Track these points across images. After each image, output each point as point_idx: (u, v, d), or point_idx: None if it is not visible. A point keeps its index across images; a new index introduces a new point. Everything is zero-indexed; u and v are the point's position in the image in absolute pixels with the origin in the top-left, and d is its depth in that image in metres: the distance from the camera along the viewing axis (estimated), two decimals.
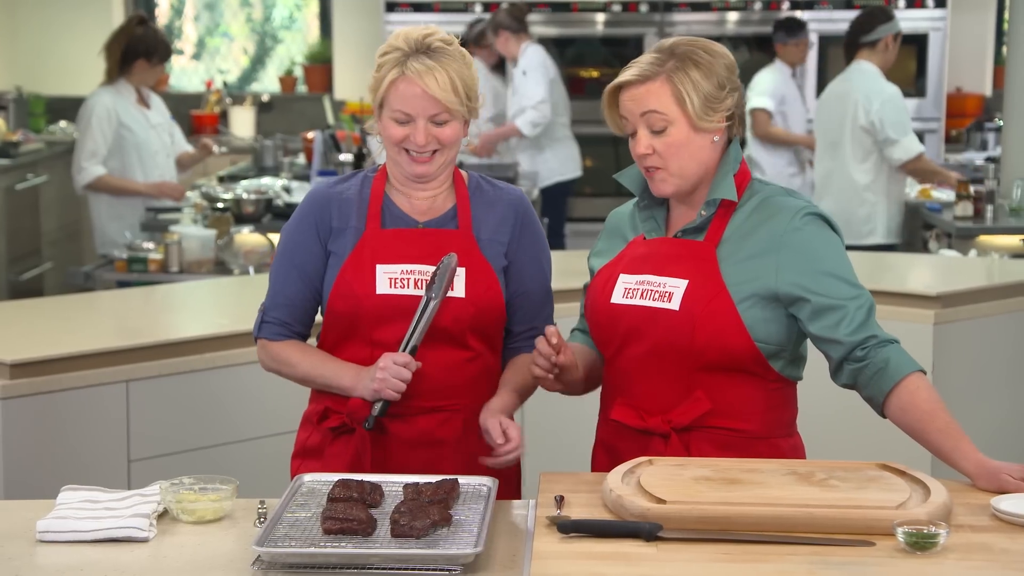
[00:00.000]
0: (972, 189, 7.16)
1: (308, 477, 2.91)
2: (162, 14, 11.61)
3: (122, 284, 6.08)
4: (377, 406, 3.06)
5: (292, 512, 2.72)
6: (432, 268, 3.08)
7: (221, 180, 8.23)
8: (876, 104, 7.12)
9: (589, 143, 9.85)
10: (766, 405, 3.04)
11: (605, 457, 3.12)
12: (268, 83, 11.63)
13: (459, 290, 3.11)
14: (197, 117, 10.91)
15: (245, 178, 8.21)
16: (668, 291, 2.99)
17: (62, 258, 9.46)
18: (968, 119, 10.50)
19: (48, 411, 4.04)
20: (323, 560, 2.52)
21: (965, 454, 2.84)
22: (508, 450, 3.00)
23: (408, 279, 3.10)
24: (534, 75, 8.86)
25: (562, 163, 9.16)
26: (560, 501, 2.71)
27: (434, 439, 3.13)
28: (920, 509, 2.58)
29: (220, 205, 6.88)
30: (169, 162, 7.36)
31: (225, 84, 11.43)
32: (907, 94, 9.35)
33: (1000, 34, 10.99)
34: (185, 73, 11.69)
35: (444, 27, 3.17)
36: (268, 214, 6.95)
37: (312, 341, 3.25)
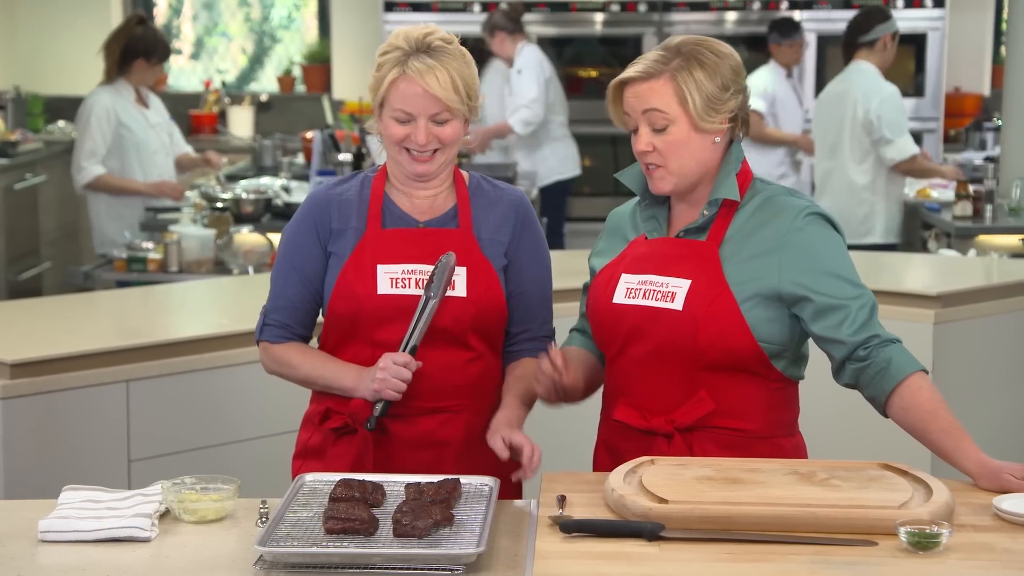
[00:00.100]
0: (971, 189, 7.17)
1: (310, 477, 2.91)
2: (160, 14, 11.60)
3: (121, 284, 6.08)
4: (378, 406, 3.06)
5: (294, 512, 2.72)
6: (433, 268, 3.08)
7: (219, 180, 8.22)
8: (875, 102, 7.13)
9: (588, 143, 9.86)
10: (768, 405, 3.04)
11: (607, 457, 3.11)
12: (266, 83, 11.62)
13: (460, 289, 3.11)
14: (196, 117, 10.90)
15: (244, 178, 8.21)
16: (671, 291, 2.99)
17: (61, 258, 9.46)
18: (966, 119, 10.50)
19: (48, 411, 4.04)
20: (325, 560, 2.52)
21: (967, 454, 2.84)
22: (527, 456, 2.98)
23: (409, 279, 3.09)
24: (528, 74, 8.85)
25: (561, 162, 9.15)
26: (562, 501, 2.71)
27: (436, 440, 3.13)
28: (922, 509, 2.58)
29: (219, 205, 6.87)
30: (168, 162, 7.35)
31: (223, 84, 11.42)
32: (905, 94, 9.36)
33: (999, 34, 10.99)
34: (183, 73, 11.68)
35: (443, 27, 3.16)
36: (267, 214, 6.95)
37: (313, 343, 3.25)
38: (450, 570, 2.52)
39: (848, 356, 2.95)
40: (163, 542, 2.69)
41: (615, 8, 10.37)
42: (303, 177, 8.05)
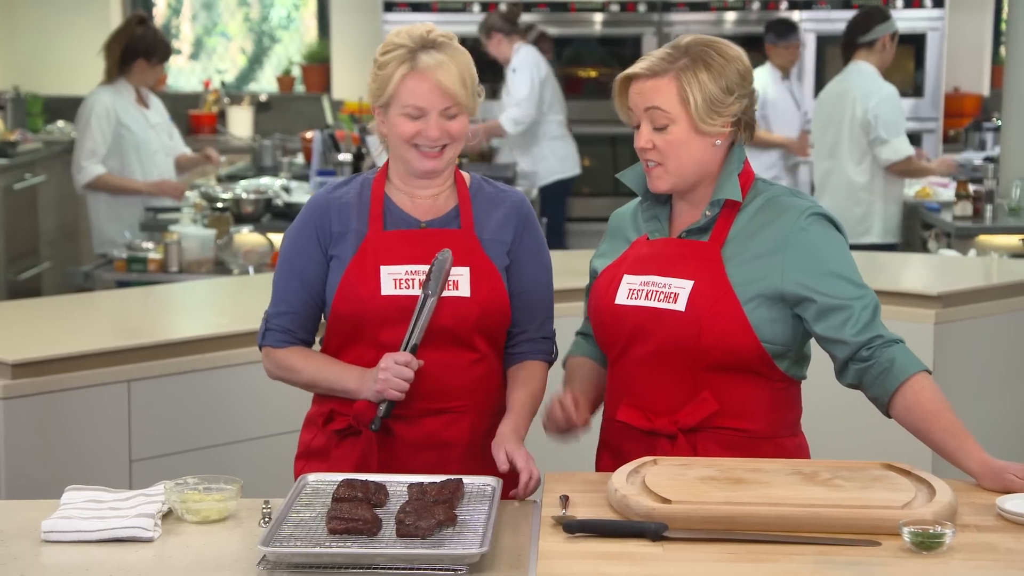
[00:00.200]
0: (971, 189, 7.17)
1: (312, 477, 2.91)
2: (159, 14, 11.59)
3: (121, 284, 6.07)
4: (382, 407, 3.05)
5: (297, 512, 2.72)
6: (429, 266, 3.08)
7: (220, 180, 8.23)
8: (873, 102, 7.14)
9: (587, 143, 9.86)
10: (771, 405, 3.04)
11: (609, 458, 3.11)
12: (265, 83, 11.62)
13: (464, 290, 3.11)
14: (195, 117, 10.90)
15: (244, 178, 8.20)
16: (674, 292, 2.99)
17: (60, 258, 9.46)
18: (966, 119, 10.50)
19: (50, 411, 4.04)
20: (328, 560, 2.52)
21: (970, 454, 2.84)
22: (523, 483, 2.97)
23: (413, 279, 3.09)
24: (521, 74, 8.85)
25: (561, 161, 9.15)
26: (565, 501, 2.71)
27: (440, 441, 3.12)
28: (926, 509, 2.58)
29: (219, 205, 6.87)
30: (168, 162, 7.35)
31: (223, 84, 11.42)
32: (905, 94, 9.38)
33: (998, 34, 11.00)
34: (182, 73, 11.68)
35: (442, 27, 3.16)
36: (267, 214, 6.95)
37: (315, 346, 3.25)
38: (453, 570, 2.52)
39: (851, 356, 2.95)
40: (166, 542, 2.68)
41: (614, 8, 10.37)
42: (303, 177, 8.05)
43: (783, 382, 3.04)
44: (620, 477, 2.74)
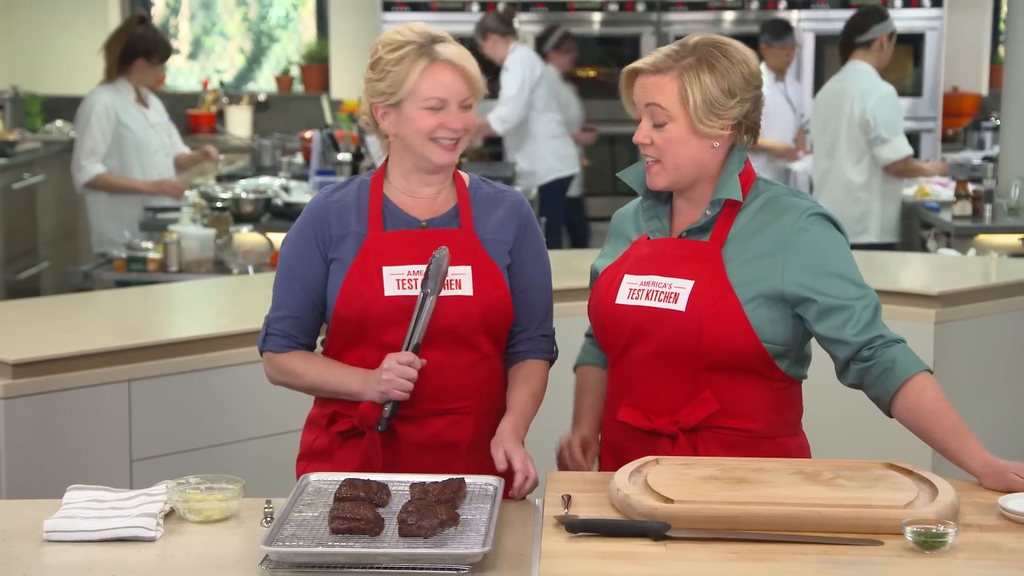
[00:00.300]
0: (971, 188, 7.17)
1: (314, 476, 2.91)
2: (157, 13, 11.59)
3: (120, 283, 6.07)
4: (387, 408, 3.05)
5: (299, 512, 2.72)
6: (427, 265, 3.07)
7: (219, 180, 8.23)
8: (871, 102, 7.14)
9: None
10: (772, 405, 3.04)
11: (611, 458, 3.11)
12: (264, 83, 11.62)
13: (466, 288, 3.10)
14: (193, 116, 10.90)
15: (243, 177, 8.20)
16: (674, 292, 2.99)
17: (59, 257, 9.46)
18: (964, 118, 10.51)
19: (50, 411, 4.04)
20: (331, 559, 2.52)
21: (972, 453, 2.84)
22: (518, 485, 2.97)
23: (415, 279, 3.08)
24: (512, 73, 8.85)
25: (560, 160, 9.15)
26: (567, 500, 2.71)
27: (444, 441, 3.12)
28: (928, 508, 2.58)
29: (219, 204, 6.87)
30: (168, 161, 7.35)
31: (221, 84, 11.42)
32: (904, 93, 9.38)
33: (996, 33, 11.00)
34: (181, 73, 11.68)
35: (441, 26, 3.17)
36: (267, 213, 6.94)
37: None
38: (456, 570, 2.52)
39: (852, 356, 2.95)
40: (168, 542, 2.68)
41: (613, 8, 10.37)
42: (303, 177, 8.04)
43: (784, 382, 3.04)
44: (622, 476, 2.74)
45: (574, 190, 9.54)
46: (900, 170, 7.28)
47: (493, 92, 9.17)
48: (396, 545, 2.57)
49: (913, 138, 9.12)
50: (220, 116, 11.00)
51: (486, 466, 3.03)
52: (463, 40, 3.19)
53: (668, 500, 2.61)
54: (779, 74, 8.81)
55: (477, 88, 3.12)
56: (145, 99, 7.24)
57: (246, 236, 6.54)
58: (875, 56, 7.23)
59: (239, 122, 10.89)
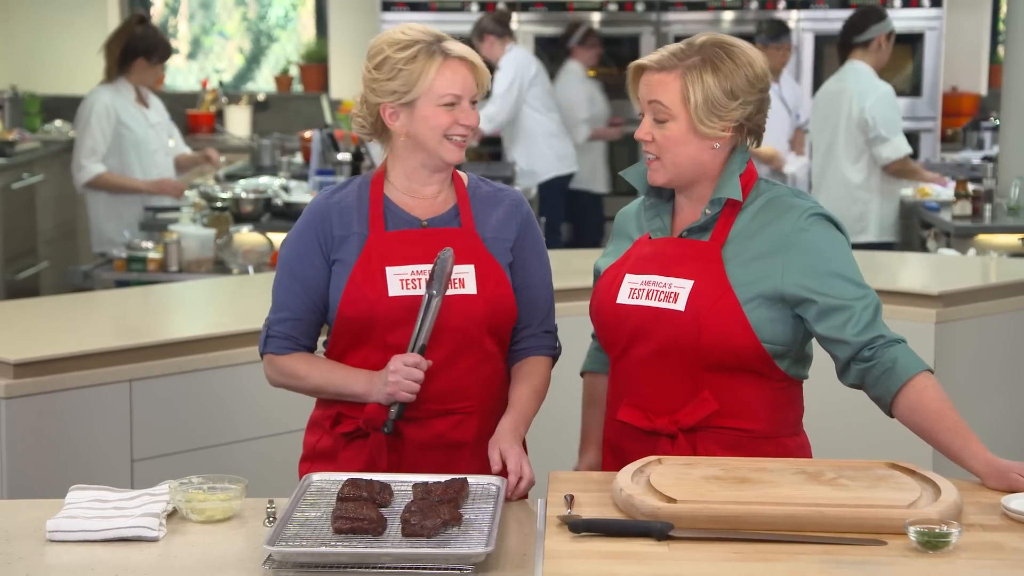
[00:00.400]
0: (970, 188, 7.17)
1: (317, 476, 2.90)
2: (156, 13, 11.58)
3: (120, 283, 6.07)
4: (393, 409, 3.05)
5: (302, 511, 2.72)
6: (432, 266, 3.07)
7: (218, 180, 8.23)
8: (870, 101, 7.16)
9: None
10: (772, 405, 3.04)
11: (612, 457, 3.12)
12: (263, 82, 11.61)
13: (470, 287, 3.10)
14: (192, 116, 10.90)
15: (242, 177, 8.20)
16: (674, 291, 2.99)
17: (58, 257, 9.46)
18: (964, 118, 10.51)
19: (52, 410, 4.04)
20: (334, 559, 2.52)
21: (974, 453, 2.84)
22: (511, 485, 2.95)
23: (419, 279, 3.08)
24: (504, 72, 8.85)
25: (559, 158, 9.16)
26: (570, 500, 2.71)
27: (449, 442, 3.12)
28: (931, 508, 2.58)
29: (219, 204, 6.87)
30: (168, 161, 7.35)
31: (220, 83, 11.41)
32: (903, 93, 9.38)
33: (995, 33, 11.01)
34: (180, 72, 11.68)
35: (440, 26, 3.18)
36: (267, 213, 6.94)
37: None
38: (459, 570, 2.52)
39: (853, 356, 2.95)
40: (171, 542, 2.68)
41: (612, 7, 10.37)
42: (302, 176, 8.04)
43: (784, 382, 3.04)
44: (625, 476, 2.74)
45: (600, 187, 9.57)
46: (899, 169, 7.29)
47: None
48: (399, 545, 2.57)
49: (912, 138, 9.12)
50: (219, 116, 11.00)
51: (490, 466, 3.02)
52: (461, 40, 3.19)
53: (671, 500, 2.61)
54: (774, 75, 8.77)
55: (484, 84, 3.13)
56: (145, 99, 7.24)
57: (246, 236, 6.54)
58: (873, 56, 7.24)
59: (238, 122, 10.89)
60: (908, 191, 7.59)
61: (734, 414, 3.01)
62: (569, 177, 9.30)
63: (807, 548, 2.50)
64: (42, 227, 9.42)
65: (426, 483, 2.79)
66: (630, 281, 3.05)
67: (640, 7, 10.36)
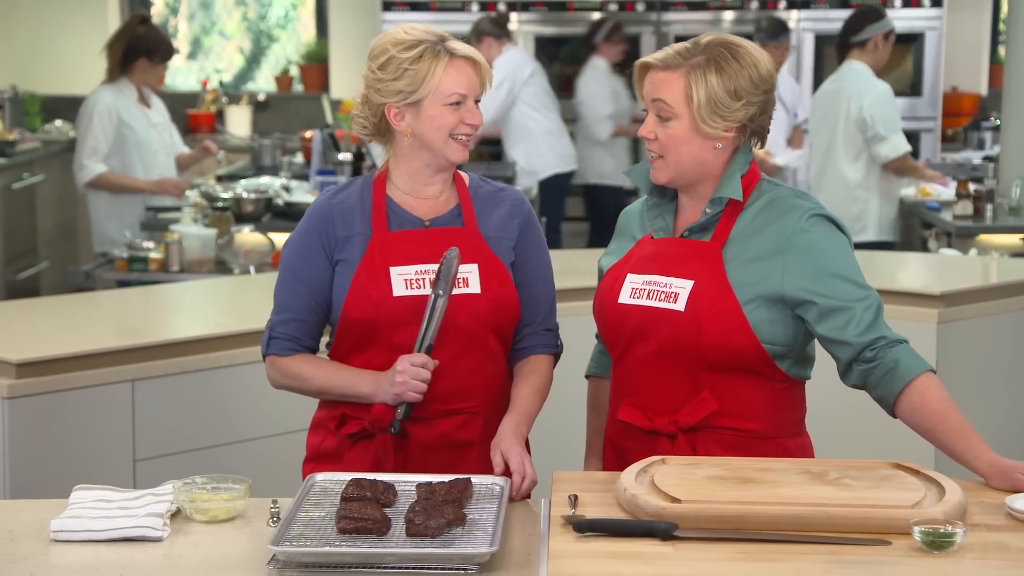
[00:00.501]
0: (971, 188, 7.17)
1: (320, 476, 2.90)
2: (157, 13, 11.58)
3: (122, 283, 6.07)
4: (400, 409, 3.05)
5: (306, 512, 2.72)
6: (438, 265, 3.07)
7: (219, 179, 8.23)
8: (867, 100, 7.18)
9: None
10: (772, 405, 3.04)
11: (614, 456, 3.12)
12: (263, 82, 11.61)
13: (473, 286, 3.10)
14: (193, 116, 10.90)
15: (243, 177, 8.20)
16: (674, 292, 2.99)
17: (58, 257, 9.46)
18: (964, 118, 10.51)
19: (54, 410, 4.04)
20: (339, 559, 2.52)
21: (978, 453, 2.84)
22: (515, 485, 2.94)
23: (423, 279, 3.08)
24: (495, 72, 8.83)
25: (559, 157, 9.16)
26: (574, 500, 2.71)
27: (454, 441, 3.12)
28: (936, 508, 2.58)
29: (220, 204, 6.87)
30: (169, 161, 7.36)
31: (221, 83, 11.41)
32: (903, 93, 9.38)
33: (996, 33, 11.01)
34: (180, 72, 11.67)
35: (440, 26, 3.18)
36: (268, 213, 6.94)
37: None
38: (464, 570, 2.51)
39: (855, 357, 2.95)
40: (175, 542, 2.68)
41: (613, 7, 10.37)
42: (303, 176, 8.04)
43: (785, 382, 3.04)
44: (629, 476, 2.74)
45: (625, 182, 9.58)
46: (899, 167, 7.30)
47: None
48: (403, 545, 2.56)
49: (913, 138, 9.12)
50: (219, 116, 11.00)
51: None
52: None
53: (675, 500, 2.61)
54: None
55: (486, 83, 3.14)
56: (147, 99, 7.25)
57: (247, 236, 6.54)
58: (870, 56, 7.26)
59: (238, 122, 10.89)
60: (910, 191, 7.60)
61: (734, 414, 3.00)
62: (569, 175, 9.30)
63: (811, 548, 2.50)
64: (42, 227, 9.42)
65: (430, 483, 2.79)
66: (631, 281, 3.05)
67: (640, 7, 10.36)
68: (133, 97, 7.15)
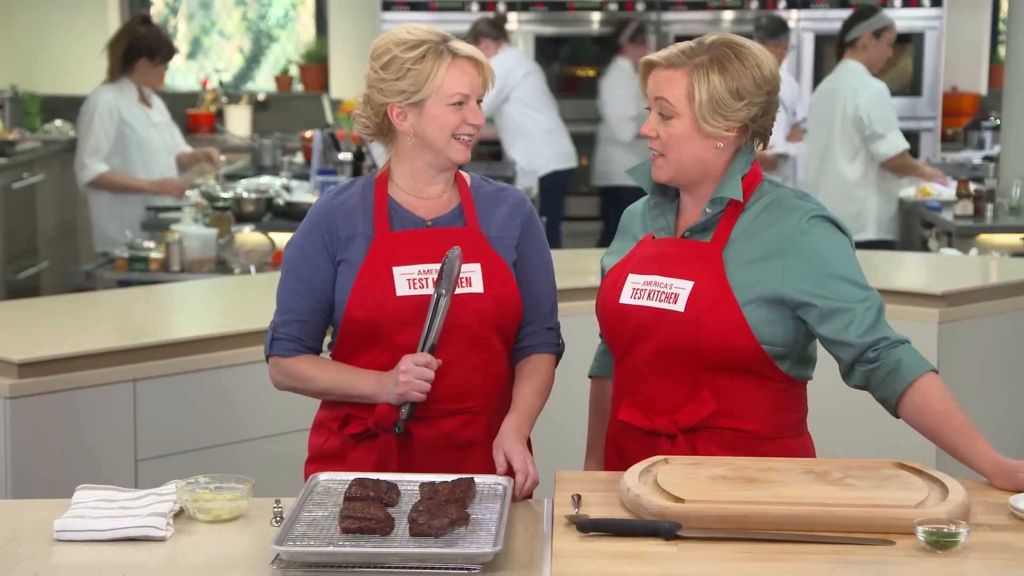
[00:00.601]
0: (972, 187, 7.17)
1: (323, 476, 2.90)
2: (156, 12, 11.57)
3: (122, 283, 6.07)
4: (404, 409, 3.05)
5: (309, 511, 2.72)
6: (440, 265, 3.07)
7: (218, 179, 8.22)
8: (863, 99, 7.21)
9: (583, 142, 9.85)
10: (773, 405, 3.04)
11: (615, 455, 3.12)
12: (263, 82, 11.61)
13: (476, 286, 3.10)
14: (193, 116, 10.89)
15: (243, 177, 8.20)
16: (674, 292, 2.99)
17: (58, 257, 9.46)
18: (964, 118, 10.51)
19: (56, 410, 4.04)
20: (342, 559, 2.52)
21: (981, 453, 2.84)
22: (519, 484, 2.94)
23: (426, 279, 3.08)
24: None
25: (557, 155, 9.17)
26: (577, 500, 2.71)
27: (457, 441, 3.12)
28: (939, 508, 2.58)
29: (220, 204, 6.87)
30: (170, 161, 7.36)
31: (220, 83, 11.41)
32: (903, 93, 9.38)
33: (996, 33, 11.01)
34: (179, 72, 11.67)
35: (440, 26, 3.18)
36: (269, 213, 6.94)
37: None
38: (467, 569, 2.51)
39: (857, 358, 2.94)
40: (178, 541, 2.68)
41: (613, 7, 10.37)
42: (304, 176, 8.04)
43: (785, 383, 3.03)
44: (632, 476, 2.74)
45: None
46: (898, 165, 7.31)
47: None
48: (407, 545, 2.56)
49: (912, 137, 9.13)
50: (219, 116, 10.99)
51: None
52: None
53: (678, 500, 2.61)
54: None
55: (488, 83, 3.14)
56: (148, 99, 7.25)
57: (248, 236, 6.53)
58: (863, 54, 7.30)
59: (238, 122, 10.89)
60: (910, 191, 7.60)
61: (734, 415, 3.00)
62: (568, 173, 9.31)
63: (815, 548, 2.50)
64: (42, 227, 9.41)
65: (433, 483, 2.79)
66: (633, 281, 3.05)
67: (640, 7, 10.36)
68: (134, 97, 7.16)
